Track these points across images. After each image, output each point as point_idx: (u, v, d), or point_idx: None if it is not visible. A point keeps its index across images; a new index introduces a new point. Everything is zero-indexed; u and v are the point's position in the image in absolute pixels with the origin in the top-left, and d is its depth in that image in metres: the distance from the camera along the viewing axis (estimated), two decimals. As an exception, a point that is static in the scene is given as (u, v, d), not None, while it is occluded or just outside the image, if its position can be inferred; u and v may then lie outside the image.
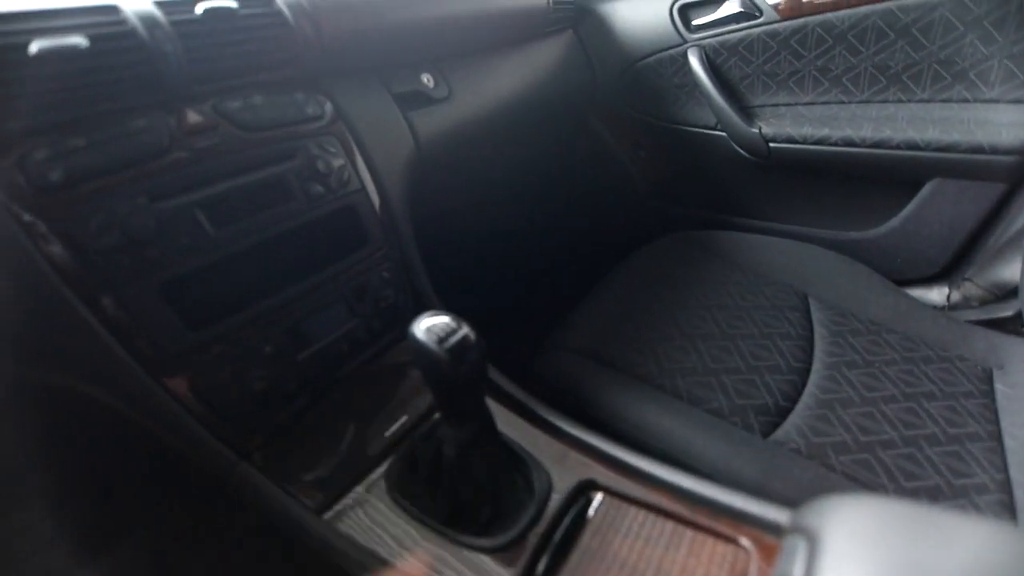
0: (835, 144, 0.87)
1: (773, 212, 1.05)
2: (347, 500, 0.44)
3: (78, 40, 0.37)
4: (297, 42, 0.51)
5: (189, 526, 0.60)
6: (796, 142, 0.91)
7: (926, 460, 0.52)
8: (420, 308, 0.60)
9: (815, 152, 0.89)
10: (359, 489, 0.45)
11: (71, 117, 0.38)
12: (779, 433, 0.54)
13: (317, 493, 0.44)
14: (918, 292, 0.90)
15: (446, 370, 0.36)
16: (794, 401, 0.58)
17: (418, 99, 0.67)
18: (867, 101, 0.87)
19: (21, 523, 0.53)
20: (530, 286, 1.26)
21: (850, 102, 0.88)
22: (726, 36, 0.93)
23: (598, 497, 0.43)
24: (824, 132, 0.88)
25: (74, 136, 0.38)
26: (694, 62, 0.95)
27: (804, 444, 0.53)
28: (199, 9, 0.43)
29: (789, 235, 0.91)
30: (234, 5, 0.45)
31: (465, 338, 0.37)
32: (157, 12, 0.41)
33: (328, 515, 0.43)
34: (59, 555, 0.56)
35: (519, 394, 0.52)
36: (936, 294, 0.89)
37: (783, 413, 0.57)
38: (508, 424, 0.48)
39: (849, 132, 0.86)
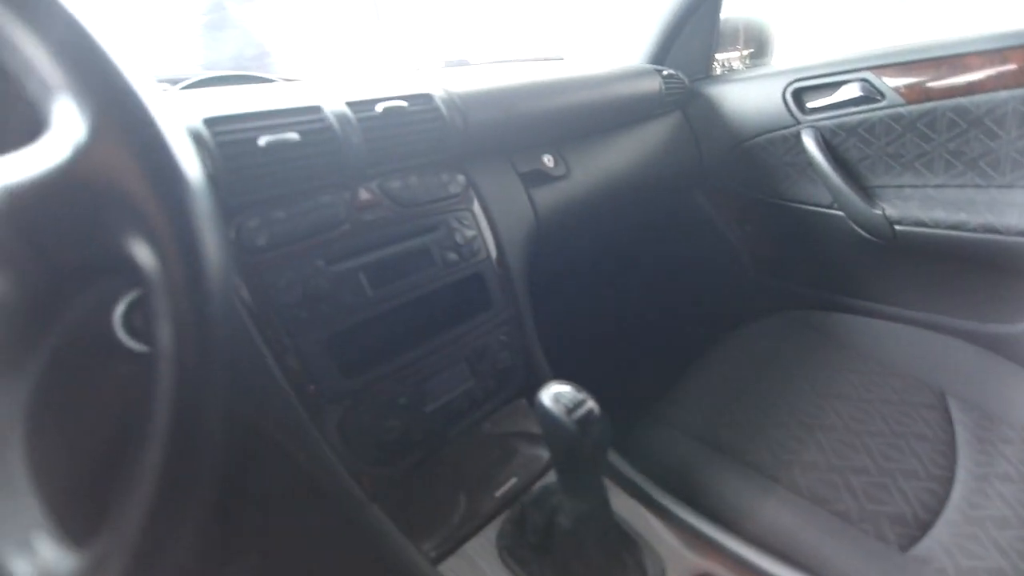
0: (974, 230, 0.81)
1: (895, 296, 0.97)
2: (459, 554, 0.46)
3: (292, 135, 0.46)
4: (448, 131, 0.59)
5: (303, 559, 0.64)
6: (926, 226, 0.85)
7: None
8: (530, 371, 0.63)
9: (949, 237, 0.83)
10: (471, 545, 0.46)
11: (277, 194, 0.47)
12: (920, 549, 0.49)
13: (433, 544, 0.46)
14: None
15: (573, 440, 0.38)
16: (936, 513, 0.52)
17: (540, 177, 0.73)
18: (1009, 186, 0.80)
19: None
20: (632, 354, 1.25)
21: (989, 186, 0.82)
22: (844, 118, 0.92)
23: (714, 592, 0.41)
24: (960, 217, 0.82)
25: (277, 209, 0.46)
26: (808, 143, 0.95)
27: (952, 566, 0.47)
28: (379, 108, 0.52)
29: (915, 322, 0.84)
30: (405, 104, 0.54)
31: (591, 411, 0.38)
32: (348, 111, 0.51)
33: (442, 567, 0.45)
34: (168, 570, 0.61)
35: (632, 473, 0.52)
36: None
37: (923, 526, 0.51)
38: (620, 503, 0.48)
39: (990, 218, 0.79)
